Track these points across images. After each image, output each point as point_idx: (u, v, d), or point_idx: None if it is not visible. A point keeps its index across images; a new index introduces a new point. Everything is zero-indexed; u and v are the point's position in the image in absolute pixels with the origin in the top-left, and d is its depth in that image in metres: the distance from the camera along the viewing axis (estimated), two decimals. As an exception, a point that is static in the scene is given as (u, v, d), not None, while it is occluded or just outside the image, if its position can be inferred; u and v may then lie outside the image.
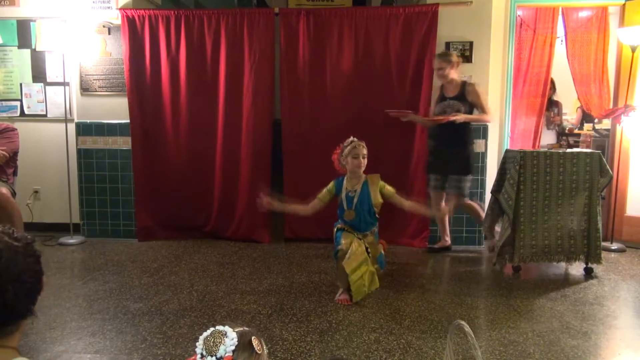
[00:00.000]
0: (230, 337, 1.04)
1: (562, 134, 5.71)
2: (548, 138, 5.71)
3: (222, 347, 1.02)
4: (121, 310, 2.99)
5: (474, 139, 4.28)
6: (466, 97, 4.04)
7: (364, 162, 3.24)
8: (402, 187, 4.47)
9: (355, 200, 3.22)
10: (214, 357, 1.01)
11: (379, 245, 3.35)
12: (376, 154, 4.49)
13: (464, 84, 4.09)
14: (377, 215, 3.31)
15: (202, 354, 1.02)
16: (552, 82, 5.27)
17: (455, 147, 4.08)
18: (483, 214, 4.15)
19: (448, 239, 4.39)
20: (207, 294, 3.29)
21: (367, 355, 2.44)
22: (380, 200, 3.27)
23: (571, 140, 5.83)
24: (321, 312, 2.97)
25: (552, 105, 5.21)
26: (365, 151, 3.24)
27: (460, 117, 3.96)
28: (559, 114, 5.43)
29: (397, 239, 4.51)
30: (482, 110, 4.06)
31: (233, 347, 1.02)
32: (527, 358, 2.43)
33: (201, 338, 1.05)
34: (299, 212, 3.45)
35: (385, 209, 4.49)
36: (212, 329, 1.06)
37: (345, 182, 3.28)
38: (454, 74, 4.07)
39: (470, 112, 4.07)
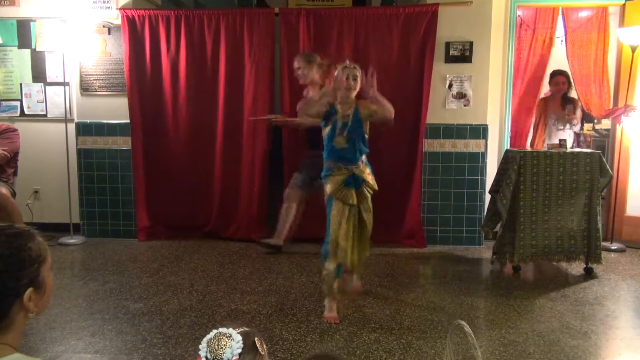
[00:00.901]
0: (236, 340, 1.01)
1: (578, 134, 5.24)
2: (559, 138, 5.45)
3: (228, 350, 0.99)
4: (121, 310, 2.99)
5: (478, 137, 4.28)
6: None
7: (354, 84, 2.95)
8: (403, 187, 4.52)
9: (349, 124, 2.95)
10: None
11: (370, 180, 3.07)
12: (376, 154, 4.51)
13: (321, 88, 3.90)
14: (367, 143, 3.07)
15: (207, 357, 0.99)
16: (568, 77, 4.84)
17: (316, 150, 3.80)
18: (287, 226, 4.16)
19: (281, 240, 4.22)
20: (207, 294, 3.29)
21: (367, 355, 2.44)
22: (369, 117, 3.02)
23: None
24: (321, 312, 2.97)
25: (567, 102, 4.81)
26: (357, 73, 2.96)
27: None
28: (574, 111, 4.84)
29: (396, 239, 4.52)
30: None
31: (240, 350, 1.00)
32: (527, 358, 2.43)
33: (204, 341, 1.02)
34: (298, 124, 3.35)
35: (384, 209, 4.53)
36: (215, 331, 1.04)
37: (338, 107, 3.01)
38: (315, 75, 3.93)
39: None
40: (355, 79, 2.97)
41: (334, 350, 2.49)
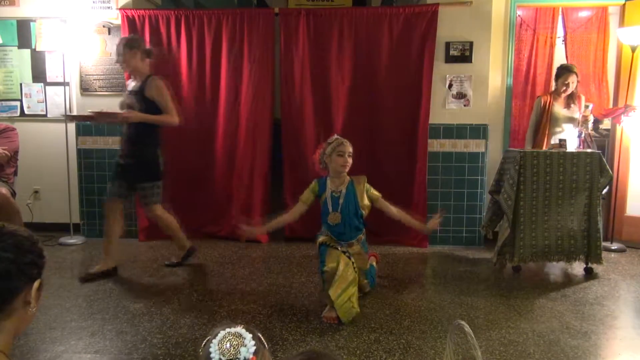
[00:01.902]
0: (248, 338, 0.99)
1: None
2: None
3: (243, 350, 0.96)
4: (121, 310, 2.99)
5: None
6: (144, 92, 3.52)
7: (350, 161, 2.99)
8: (403, 190, 4.52)
9: (341, 201, 2.99)
10: None
11: (370, 257, 3.17)
12: (376, 154, 4.53)
13: (147, 78, 3.56)
14: (364, 221, 3.10)
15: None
16: (577, 75, 4.39)
17: (134, 149, 3.57)
18: (180, 233, 3.82)
19: (111, 262, 3.65)
20: (207, 294, 3.29)
21: (367, 355, 2.44)
22: (367, 202, 3.06)
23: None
24: (321, 312, 2.97)
25: (572, 99, 4.37)
26: (351, 149, 3.00)
27: (135, 116, 3.47)
28: (579, 108, 4.44)
29: (397, 239, 4.52)
30: (164, 110, 3.56)
31: (254, 348, 0.97)
32: (527, 358, 2.43)
33: (215, 343, 0.98)
34: (284, 222, 3.25)
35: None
36: (222, 332, 0.99)
37: (328, 182, 3.05)
38: (138, 62, 3.54)
39: (153, 111, 3.53)
40: (350, 156, 2.97)
41: (334, 351, 2.49)
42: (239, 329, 0.99)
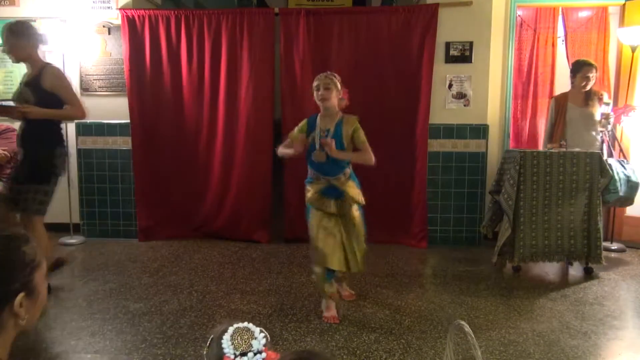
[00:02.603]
0: (257, 331, 1.01)
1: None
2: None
3: (254, 342, 0.99)
4: (121, 310, 2.99)
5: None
6: (40, 83, 3.08)
7: (327, 93, 2.85)
8: (403, 190, 4.52)
9: (328, 139, 2.85)
10: (251, 354, 0.97)
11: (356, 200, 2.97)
12: (376, 154, 4.51)
13: (43, 67, 3.12)
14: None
15: (234, 354, 0.97)
16: (596, 69, 4.20)
17: (26, 146, 3.17)
18: (51, 253, 3.43)
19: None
20: (207, 294, 3.29)
21: (367, 355, 2.44)
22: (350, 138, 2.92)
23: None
24: (321, 312, 2.97)
25: (591, 97, 4.11)
26: (330, 83, 2.86)
27: (34, 111, 3.03)
28: (600, 106, 4.15)
29: (397, 239, 4.53)
30: (67, 102, 3.15)
31: (265, 340, 1.00)
32: (527, 358, 2.43)
33: (226, 339, 1.00)
34: (287, 154, 3.09)
35: (385, 207, 4.53)
36: (231, 328, 1.02)
37: (318, 120, 2.95)
38: (28, 50, 3.09)
39: (52, 104, 3.11)
40: (327, 88, 2.86)
41: (334, 351, 2.49)
42: (247, 324, 1.01)
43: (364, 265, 3.06)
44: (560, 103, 4.26)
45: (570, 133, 4.18)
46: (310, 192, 2.96)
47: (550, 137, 4.32)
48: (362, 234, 3.01)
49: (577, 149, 3.82)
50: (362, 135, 2.93)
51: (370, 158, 2.92)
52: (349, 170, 3.00)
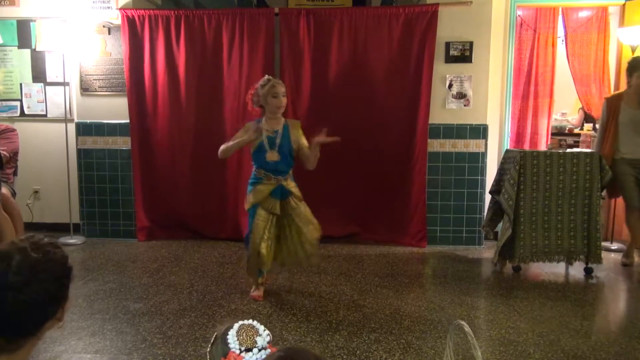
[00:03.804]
0: (262, 329, 1.03)
1: None
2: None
3: (259, 339, 1.02)
4: (121, 310, 2.99)
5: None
6: None
7: (284, 100, 3.09)
8: (403, 190, 4.52)
9: (277, 140, 3.07)
10: (256, 349, 0.99)
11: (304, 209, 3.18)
12: (376, 154, 4.53)
13: None
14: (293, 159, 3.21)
15: (239, 349, 1.00)
16: None
17: None
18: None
19: None
20: (207, 294, 3.29)
21: (367, 355, 2.44)
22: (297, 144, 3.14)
23: (571, 140, 5.82)
24: (321, 312, 2.97)
25: None
26: (284, 89, 3.11)
27: None
28: None
29: (396, 239, 4.53)
30: None
31: (269, 338, 1.02)
32: (527, 358, 2.43)
33: (232, 335, 1.02)
34: (226, 153, 3.15)
35: (385, 207, 4.54)
36: (236, 324, 1.05)
37: (263, 124, 3.11)
38: None
39: None
40: (284, 95, 3.09)
41: (334, 351, 2.49)
42: (252, 322, 1.03)
43: (317, 258, 3.31)
44: (613, 105, 3.96)
45: (623, 137, 3.89)
46: (256, 194, 3.11)
47: (601, 142, 4.04)
48: (316, 223, 3.19)
49: (629, 156, 3.75)
50: (304, 140, 3.18)
51: (314, 163, 3.16)
52: (291, 170, 3.22)
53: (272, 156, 3.08)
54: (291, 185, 3.17)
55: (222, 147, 3.14)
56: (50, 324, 1.10)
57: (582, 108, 5.71)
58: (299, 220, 3.14)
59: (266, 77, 3.18)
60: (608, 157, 3.90)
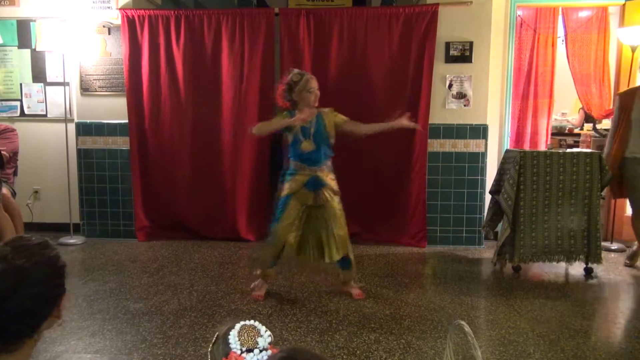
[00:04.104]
0: (263, 329, 1.04)
1: None
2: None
3: (260, 340, 1.02)
4: (121, 310, 2.99)
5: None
6: None
7: (318, 93, 3.15)
8: (403, 190, 4.52)
9: (312, 130, 3.11)
10: (257, 350, 1.00)
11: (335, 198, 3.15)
12: (376, 154, 4.53)
13: None
14: (332, 149, 3.22)
15: (241, 350, 1.00)
16: None
17: None
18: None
19: None
20: (207, 294, 3.29)
21: (367, 355, 2.44)
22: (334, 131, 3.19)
23: (571, 140, 5.82)
24: (321, 312, 2.97)
25: None
26: (317, 84, 3.16)
27: None
28: None
29: (396, 239, 4.53)
30: None
31: (270, 339, 1.02)
32: (527, 358, 2.43)
33: (233, 335, 1.03)
34: (262, 129, 3.21)
35: (385, 207, 4.53)
36: (238, 324, 1.05)
37: (297, 115, 3.11)
38: None
39: None
40: (318, 89, 3.13)
41: (334, 351, 2.49)
42: (253, 322, 1.03)
43: (343, 251, 3.15)
44: (625, 100, 3.72)
45: (635, 135, 3.68)
46: (291, 184, 3.13)
47: (613, 140, 3.86)
48: (344, 222, 3.17)
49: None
50: (341, 116, 3.22)
51: (367, 129, 3.24)
52: (329, 162, 3.20)
53: (308, 145, 3.10)
54: (327, 177, 3.15)
55: (261, 123, 3.20)
56: (48, 323, 1.09)
57: (583, 108, 5.71)
58: (327, 214, 3.12)
59: (296, 71, 3.18)
60: (618, 155, 3.77)
